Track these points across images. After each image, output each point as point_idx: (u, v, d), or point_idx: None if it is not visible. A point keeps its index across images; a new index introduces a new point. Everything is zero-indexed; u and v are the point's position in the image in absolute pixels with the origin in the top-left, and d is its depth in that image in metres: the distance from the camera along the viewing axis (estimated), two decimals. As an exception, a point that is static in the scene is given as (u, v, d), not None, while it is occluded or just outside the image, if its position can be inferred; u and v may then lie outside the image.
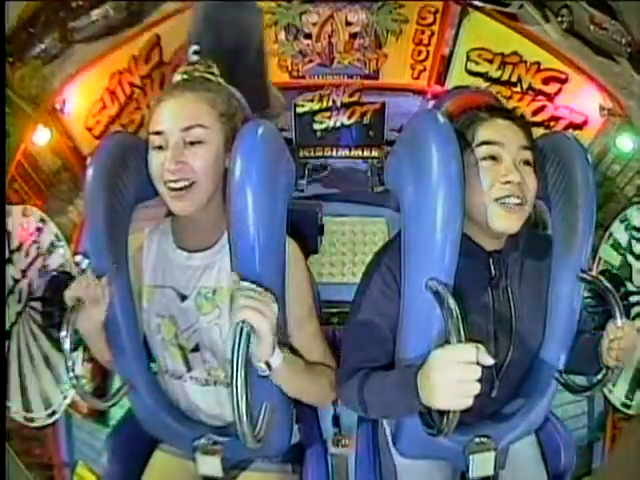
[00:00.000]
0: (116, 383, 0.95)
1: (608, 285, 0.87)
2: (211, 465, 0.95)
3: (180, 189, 0.86)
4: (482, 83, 2.14)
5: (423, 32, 2.15)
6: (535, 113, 2.10)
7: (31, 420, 1.80)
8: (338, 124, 2.24)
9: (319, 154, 2.26)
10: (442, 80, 2.22)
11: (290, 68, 2.23)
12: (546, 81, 2.06)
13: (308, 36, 2.18)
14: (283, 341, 0.85)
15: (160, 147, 0.87)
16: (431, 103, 2.18)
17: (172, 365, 0.96)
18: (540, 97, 2.09)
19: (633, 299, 1.87)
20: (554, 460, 1.03)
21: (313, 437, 1.07)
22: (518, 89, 2.11)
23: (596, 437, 1.90)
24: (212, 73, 0.96)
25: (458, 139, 0.82)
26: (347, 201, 2.19)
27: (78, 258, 0.86)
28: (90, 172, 0.89)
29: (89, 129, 1.99)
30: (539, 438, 1.03)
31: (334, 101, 2.23)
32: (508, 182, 0.85)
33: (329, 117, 2.24)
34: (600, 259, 1.93)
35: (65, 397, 1.83)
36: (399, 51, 2.20)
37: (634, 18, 1.89)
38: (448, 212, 0.79)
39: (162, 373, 0.99)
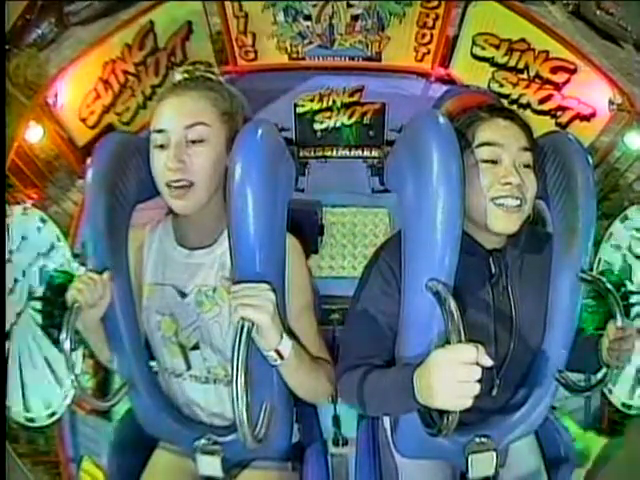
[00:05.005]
0: (117, 379, 0.95)
1: (608, 285, 0.87)
2: (211, 465, 0.95)
3: (181, 187, 0.86)
4: (488, 68, 2.11)
5: (428, 15, 2.11)
6: (542, 102, 2.08)
7: (31, 420, 1.80)
8: (338, 124, 2.24)
9: (319, 154, 2.26)
10: (446, 63, 2.20)
11: (289, 50, 2.21)
12: (554, 70, 2.03)
13: (308, 17, 2.15)
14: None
15: (162, 146, 0.87)
16: (434, 86, 2.18)
17: (172, 363, 0.96)
18: (547, 86, 2.06)
19: (633, 299, 1.87)
20: (553, 456, 1.03)
21: (313, 437, 1.07)
22: (525, 76, 2.08)
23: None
24: (213, 72, 0.96)
25: (458, 139, 0.82)
26: (347, 191, 2.17)
27: (75, 265, 0.87)
28: (90, 172, 0.89)
29: (83, 120, 1.98)
30: (537, 434, 1.03)
31: (334, 101, 2.22)
32: (507, 184, 0.86)
33: (329, 117, 2.23)
34: (600, 259, 1.93)
35: (65, 397, 1.83)
36: (402, 33, 2.17)
37: (634, 17, 1.89)
38: (448, 212, 0.79)
39: (162, 371, 0.99)
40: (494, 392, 0.93)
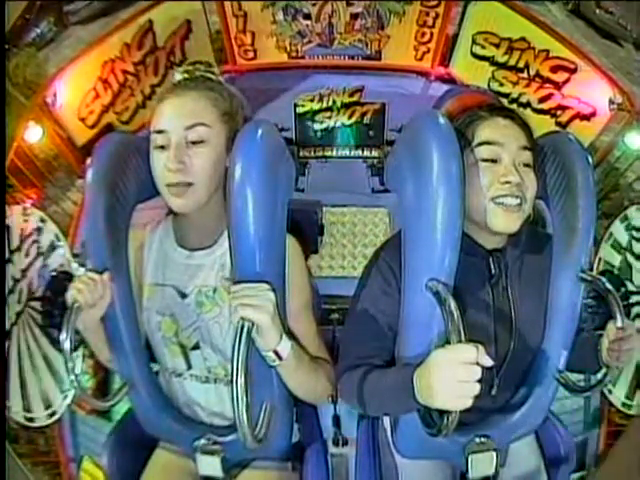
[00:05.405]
0: (117, 379, 0.95)
1: (608, 286, 0.87)
2: (211, 465, 0.95)
3: (181, 186, 0.86)
4: (488, 67, 2.11)
5: (427, 13, 2.11)
6: (542, 101, 2.08)
7: (31, 420, 1.80)
8: (338, 124, 2.24)
9: (319, 154, 2.26)
10: (446, 62, 2.20)
11: (288, 49, 2.20)
12: (554, 69, 2.03)
13: (307, 16, 2.15)
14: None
15: (162, 146, 0.87)
16: (434, 85, 2.17)
17: (172, 363, 0.96)
18: (547, 85, 2.05)
19: (633, 299, 1.87)
20: (552, 456, 1.03)
21: (313, 437, 1.07)
22: (525, 75, 2.08)
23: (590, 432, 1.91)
24: (213, 72, 0.96)
25: (458, 138, 0.82)
26: (347, 191, 2.17)
27: (75, 266, 0.87)
28: (90, 172, 0.89)
29: (82, 119, 1.97)
30: (537, 434, 1.03)
31: (334, 101, 2.22)
32: (507, 182, 0.86)
33: (329, 117, 2.23)
34: (600, 259, 1.93)
35: (65, 397, 1.83)
36: (402, 32, 2.16)
37: (634, 16, 1.88)
38: (448, 212, 0.79)
39: (163, 371, 0.99)
40: (493, 391, 0.93)
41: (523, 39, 2.05)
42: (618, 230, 1.92)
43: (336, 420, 1.21)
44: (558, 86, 2.06)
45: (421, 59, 2.22)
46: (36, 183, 1.91)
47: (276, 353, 0.81)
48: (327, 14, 2.16)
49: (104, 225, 0.88)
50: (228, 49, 2.22)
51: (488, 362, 0.68)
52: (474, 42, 2.12)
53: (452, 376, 0.69)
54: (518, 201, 0.86)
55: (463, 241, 0.82)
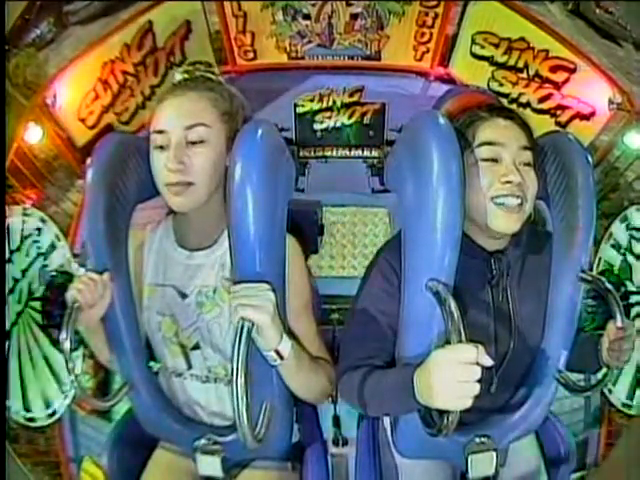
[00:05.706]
0: (117, 379, 0.95)
1: (608, 285, 0.87)
2: (211, 465, 0.95)
3: (180, 186, 0.86)
4: (487, 67, 2.11)
5: (427, 14, 2.12)
6: (541, 101, 2.09)
7: (31, 420, 1.81)
8: (338, 124, 2.24)
9: (319, 154, 2.26)
10: (446, 62, 2.21)
11: (288, 49, 2.21)
12: (554, 69, 2.04)
13: (307, 17, 2.16)
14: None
15: (162, 147, 0.87)
16: (434, 85, 2.18)
17: (173, 363, 0.96)
18: (547, 85, 2.06)
19: (633, 299, 1.87)
20: (552, 456, 1.03)
21: (313, 437, 1.07)
22: (524, 75, 2.09)
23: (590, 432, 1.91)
24: (213, 72, 0.96)
25: (458, 139, 0.82)
26: (347, 191, 2.17)
27: (75, 266, 0.87)
28: (90, 172, 0.89)
29: (82, 120, 1.98)
30: (537, 434, 1.03)
31: (334, 101, 2.22)
32: (508, 182, 0.85)
33: (329, 117, 2.23)
34: (600, 259, 1.93)
35: (65, 397, 1.83)
36: (402, 32, 2.17)
37: (634, 16, 1.88)
38: (448, 212, 0.79)
39: (163, 371, 0.99)
40: (492, 389, 0.93)
41: (522, 39, 2.05)
42: (618, 230, 1.92)
43: (336, 420, 1.21)
44: (558, 86, 2.06)
45: (421, 59, 2.22)
46: (36, 183, 1.91)
47: (277, 353, 0.81)
48: (327, 14, 2.16)
49: (104, 225, 0.88)
50: (228, 49, 2.22)
51: (488, 362, 0.68)
52: (473, 42, 2.12)
53: (452, 376, 0.69)
54: (519, 201, 0.86)
55: (464, 243, 0.82)
